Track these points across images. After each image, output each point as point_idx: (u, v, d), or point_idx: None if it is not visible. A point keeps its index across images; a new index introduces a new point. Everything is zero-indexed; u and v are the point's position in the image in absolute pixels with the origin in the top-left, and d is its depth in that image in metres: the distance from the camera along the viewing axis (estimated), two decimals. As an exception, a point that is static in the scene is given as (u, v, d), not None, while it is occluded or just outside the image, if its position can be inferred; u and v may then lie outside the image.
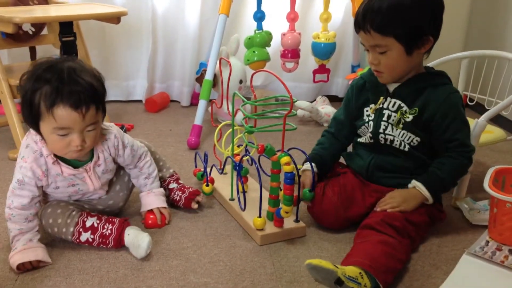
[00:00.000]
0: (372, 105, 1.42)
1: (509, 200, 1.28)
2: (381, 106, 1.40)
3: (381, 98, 1.40)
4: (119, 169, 1.43)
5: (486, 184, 1.34)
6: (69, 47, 1.91)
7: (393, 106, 1.39)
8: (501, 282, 1.20)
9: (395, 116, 1.38)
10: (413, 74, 1.36)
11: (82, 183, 1.31)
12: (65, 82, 1.13)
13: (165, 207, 1.44)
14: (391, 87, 1.39)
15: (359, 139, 1.48)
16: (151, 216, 1.42)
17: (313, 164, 1.40)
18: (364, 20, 1.29)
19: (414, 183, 1.37)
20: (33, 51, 2.21)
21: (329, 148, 1.53)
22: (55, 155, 1.25)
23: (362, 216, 1.38)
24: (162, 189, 1.47)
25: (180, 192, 1.51)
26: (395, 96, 1.39)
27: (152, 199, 1.43)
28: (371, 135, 1.43)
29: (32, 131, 1.25)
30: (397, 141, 1.39)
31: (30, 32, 2.07)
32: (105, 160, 1.32)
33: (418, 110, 1.35)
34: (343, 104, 1.54)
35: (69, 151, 1.21)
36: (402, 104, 1.37)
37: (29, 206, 1.24)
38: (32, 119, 1.17)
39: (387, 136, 1.40)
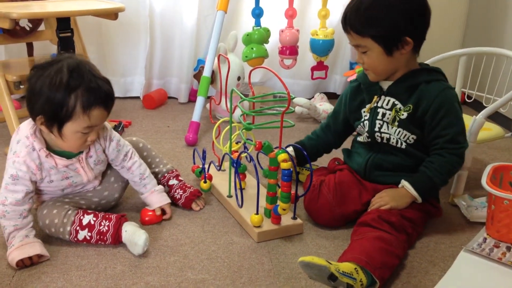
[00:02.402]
0: (367, 105, 1.43)
1: (507, 197, 1.28)
2: (375, 105, 1.40)
3: (375, 97, 1.40)
4: None
5: (484, 181, 1.34)
6: (66, 43, 1.90)
7: (387, 104, 1.39)
8: (498, 279, 1.21)
9: (389, 114, 1.38)
10: (405, 71, 1.36)
11: (75, 174, 1.32)
12: (96, 84, 1.20)
13: (169, 203, 1.45)
14: (385, 85, 1.40)
15: (358, 138, 1.49)
16: (149, 213, 1.42)
17: (291, 149, 1.55)
18: (345, 21, 1.35)
19: (403, 182, 1.37)
20: (30, 47, 2.20)
21: (316, 140, 1.61)
22: (47, 148, 1.26)
23: (359, 213, 1.38)
24: (161, 186, 1.48)
25: (181, 191, 1.51)
26: (389, 94, 1.39)
27: (157, 197, 1.44)
28: (367, 134, 1.43)
29: (21, 127, 1.27)
30: (393, 139, 1.39)
31: (27, 28, 2.06)
32: (96, 151, 1.34)
33: (413, 107, 1.35)
34: (335, 107, 1.58)
35: (84, 146, 1.28)
36: (396, 102, 1.37)
37: (23, 202, 1.24)
38: (59, 119, 1.20)
39: (383, 135, 1.40)
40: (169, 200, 1.46)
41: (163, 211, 1.44)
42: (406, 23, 1.28)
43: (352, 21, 1.32)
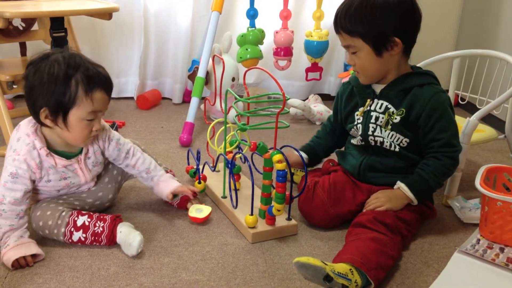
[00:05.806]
0: (360, 108, 1.43)
1: (500, 199, 1.29)
2: (368, 108, 1.41)
3: (368, 100, 1.41)
4: (108, 162, 1.44)
5: (477, 183, 1.34)
6: (60, 43, 1.89)
7: (380, 108, 1.39)
8: (491, 280, 1.21)
9: (383, 118, 1.38)
10: (397, 75, 1.37)
11: (73, 175, 1.32)
12: (95, 69, 1.22)
13: (177, 186, 1.45)
14: (378, 89, 1.40)
15: (352, 140, 1.49)
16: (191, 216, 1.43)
17: (302, 153, 1.55)
18: (336, 22, 1.36)
19: (399, 184, 1.38)
20: (23, 46, 2.19)
21: (324, 140, 1.61)
22: (48, 147, 1.25)
23: (353, 214, 1.39)
24: (169, 174, 1.49)
25: None
26: (381, 97, 1.39)
27: (164, 185, 1.44)
28: (361, 138, 1.44)
29: (22, 125, 1.26)
30: (387, 142, 1.39)
31: (21, 28, 2.05)
32: (94, 152, 1.34)
33: (405, 110, 1.35)
34: (333, 107, 1.58)
35: (89, 137, 1.28)
36: (389, 105, 1.38)
37: (21, 201, 1.23)
38: (63, 107, 1.20)
39: (376, 138, 1.40)
40: (176, 184, 1.45)
41: (178, 196, 1.46)
42: (395, 24, 1.29)
43: (342, 21, 1.34)
